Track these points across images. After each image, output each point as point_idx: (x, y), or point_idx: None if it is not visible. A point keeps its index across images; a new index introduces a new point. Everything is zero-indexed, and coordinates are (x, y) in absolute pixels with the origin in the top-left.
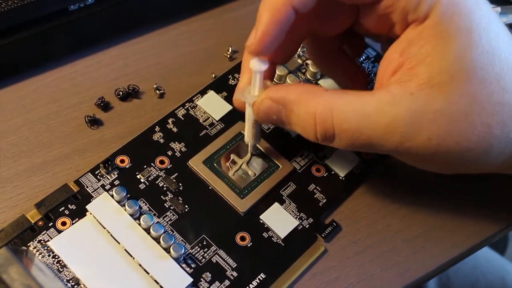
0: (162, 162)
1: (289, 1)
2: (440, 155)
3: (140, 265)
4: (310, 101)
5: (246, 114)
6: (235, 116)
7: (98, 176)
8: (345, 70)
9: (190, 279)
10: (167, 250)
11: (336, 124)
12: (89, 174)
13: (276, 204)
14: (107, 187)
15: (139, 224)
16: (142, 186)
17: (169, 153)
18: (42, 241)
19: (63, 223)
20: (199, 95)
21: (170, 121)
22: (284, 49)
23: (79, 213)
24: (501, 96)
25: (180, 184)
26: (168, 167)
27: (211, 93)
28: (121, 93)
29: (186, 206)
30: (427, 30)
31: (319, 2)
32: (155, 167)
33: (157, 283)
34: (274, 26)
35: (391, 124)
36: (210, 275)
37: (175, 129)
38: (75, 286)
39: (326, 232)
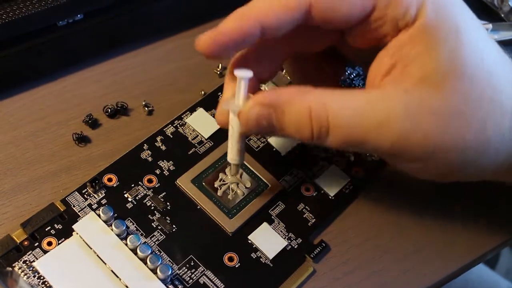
0: (150, 181)
1: (258, 18)
2: (436, 155)
3: (127, 287)
4: (303, 98)
5: (230, 127)
6: (224, 134)
7: (85, 195)
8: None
9: None
10: (154, 271)
11: (330, 120)
12: (76, 193)
13: (264, 224)
14: (94, 206)
15: (126, 245)
16: (129, 206)
17: (157, 171)
18: (27, 262)
19: (49, 243)
20: (188, 112)
21: (158, 139)
22: (266, 67)
23: (66, 233)
24: (493, 93)
25: (168, 204)
26: (156, 186)
27: (200, 110)
28: (109, 110)
29: (174, 226)
30: (416, 32)
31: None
32: (143, 186)
33: None
34: (234, 32)
35: (385, 121)
36: None
37: (163, 147)
38: None
39: (315, 252)
